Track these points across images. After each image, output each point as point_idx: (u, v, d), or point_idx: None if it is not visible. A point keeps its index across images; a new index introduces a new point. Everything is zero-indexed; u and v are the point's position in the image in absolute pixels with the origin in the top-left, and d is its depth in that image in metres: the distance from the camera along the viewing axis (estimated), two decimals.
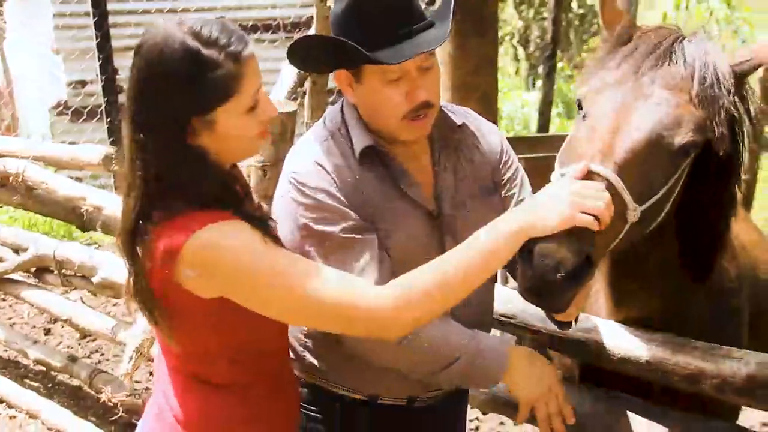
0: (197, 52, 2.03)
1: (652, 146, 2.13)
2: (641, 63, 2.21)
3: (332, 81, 2.53)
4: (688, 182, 2.30)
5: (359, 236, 2.34)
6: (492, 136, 2.64)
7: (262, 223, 2.15)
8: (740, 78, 2.26)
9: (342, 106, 2.51)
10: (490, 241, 2.03)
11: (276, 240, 2.16)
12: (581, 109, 2.27)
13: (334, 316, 2.08)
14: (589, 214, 1.98)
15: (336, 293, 2.06)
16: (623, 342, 2.48)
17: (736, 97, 2.23)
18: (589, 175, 2.07)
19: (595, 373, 2.65)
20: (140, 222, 2.09)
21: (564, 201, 1.98)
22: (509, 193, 2.60)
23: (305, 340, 2.51)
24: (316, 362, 2.52)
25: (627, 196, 2.08)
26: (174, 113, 2.04)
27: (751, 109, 2.30)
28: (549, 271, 1.97)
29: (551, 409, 2.40)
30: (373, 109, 2.39)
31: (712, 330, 2.52)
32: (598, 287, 2.68)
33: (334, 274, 2.12)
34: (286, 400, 2.38)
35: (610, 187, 2.05)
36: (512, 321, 2.74)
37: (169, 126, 2.05)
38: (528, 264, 2.00)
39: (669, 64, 2.21)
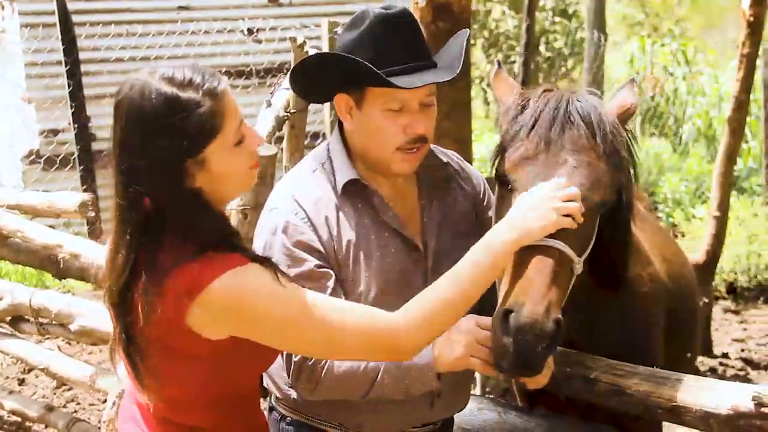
0: (175, 96, 2.05)
1: (581, 209, 2.29)
2: (549, 131, 2.39)
3: (309, 125, 2.57)
4: None
5: (311, 285, 2.36)
6: (474, 175, 2.75)
7: (270, 263, 2.18)
8: (623, 124, 2.51)
9: (329, 143, 2.56)
10: (486, 258, 2.18)
11: (284, 275, 2.19)
12: (505, 183, 2.43)
13: (359, 346, 2.17)
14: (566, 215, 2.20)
15: (359, 325, 2.14)
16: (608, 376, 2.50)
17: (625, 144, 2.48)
18: (541, 249, 2.23)
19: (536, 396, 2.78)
20: (138, 274, 2.08)
21: (543, 210, 2.19)
22: None
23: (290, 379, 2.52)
24: (300, 399, 2.52)
25: (573, 256, 2.27)
26: (167, 161, 2.05)
27: (633, 147, 2.57)
28: (531, 345, 2.13)
29: (482, 356, 2.32)
30: (369, 137, 2.45)
31: (626, 336, 2.73)
32: None
33: (350, 306, 2.21)
34: None
35: (561, 255, 2.24)
36: None
37: (166, 174, 2.05)
38: (505, 337, 2.15)
39: (570, 128, 2.39)
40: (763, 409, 2.15)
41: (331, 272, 2.42)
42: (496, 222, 2.42)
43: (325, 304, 2.17)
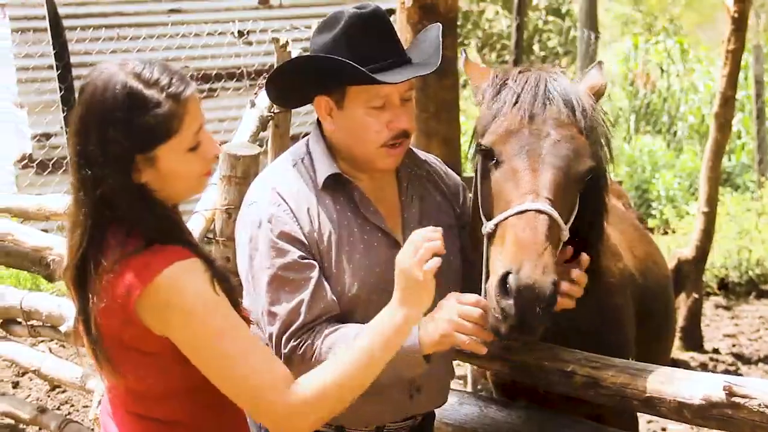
0: (138, 92, 2.09)
1: (567, 177, 2.39)
2: (532, 108, 2.44)
3: (295, 127, 2.59)
4: None
5: (295, 276, 2.40)
6: (453, 177, 2.78)
7: (212, 263, 2.19)
8: (596, 101, 2.59)
9: (307, 140, 2.58)
10: (384, 337, 2.20)
11: (223, 281, 2.20)
12: (490, 156, 2.46)
13: (249, 398, 2.17)
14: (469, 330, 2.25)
15: (260, 381, 2.14)
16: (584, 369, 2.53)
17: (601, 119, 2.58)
18: (531, 213, 2.28)
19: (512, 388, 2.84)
20: (90, 258, 2.12)
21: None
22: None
23: None
24: None
25: (562, 223, 2.33)
26: (117, 151, 2.09)
27: (606, 122, 2.64)
28: (532, 306, 2.16)
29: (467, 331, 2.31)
30: (352, 136, 2.48)
31: (597, 326, 2.77)
32: None
33: (267, 358, 2.19)
34: None
35: (551, 220, 2.28)
36: None
37: (114, 163, 2.10)
38: (504, 299, 2.19)
39: (551, 104, 2.45)
40: (733, 399, 2.17)
41: (315, 263, 2.44)
42: (478, 199, 2.49)
43: (247, 347, 2.15)
